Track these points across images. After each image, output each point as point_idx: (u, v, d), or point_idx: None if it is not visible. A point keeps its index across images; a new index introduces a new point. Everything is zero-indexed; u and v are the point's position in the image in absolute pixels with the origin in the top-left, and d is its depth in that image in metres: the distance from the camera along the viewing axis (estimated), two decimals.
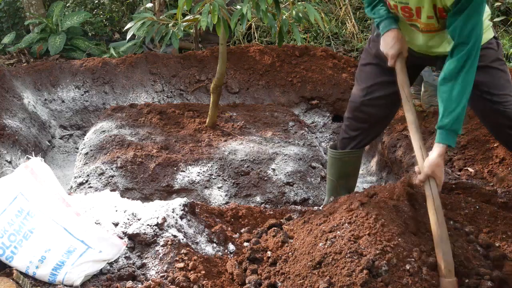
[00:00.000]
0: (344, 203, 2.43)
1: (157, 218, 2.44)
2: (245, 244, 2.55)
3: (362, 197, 2.39)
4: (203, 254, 2.44)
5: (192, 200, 2.88)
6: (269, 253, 2.36)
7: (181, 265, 2.27)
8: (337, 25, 5.95)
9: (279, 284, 2.19)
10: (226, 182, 3.37)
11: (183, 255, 2.33)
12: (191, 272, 2.25)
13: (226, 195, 3.30)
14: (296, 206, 3.23)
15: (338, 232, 2.22)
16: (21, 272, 2.16)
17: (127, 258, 2.33)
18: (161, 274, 2.25)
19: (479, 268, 2.11)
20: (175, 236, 2.40)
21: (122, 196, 2.89)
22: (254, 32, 5.78)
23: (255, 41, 5.71)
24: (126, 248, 2.35)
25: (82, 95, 4.65)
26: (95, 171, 3.37)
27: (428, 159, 2.24)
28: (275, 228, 2.54)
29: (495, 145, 3.31)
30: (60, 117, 4.57)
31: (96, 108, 4.62)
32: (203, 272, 2.27)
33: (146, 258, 2.34)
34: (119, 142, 3.65)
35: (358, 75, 2.81)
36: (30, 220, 2.19)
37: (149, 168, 3.38)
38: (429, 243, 2.12)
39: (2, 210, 2.19)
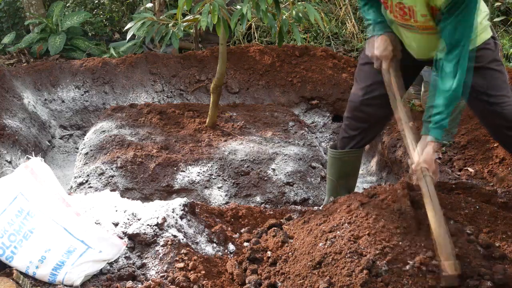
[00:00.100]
0: (344, 203, 2.43)
1: (157, 218, 2.43)
2: (245, 244, 2.55)
3: (362, 197, 2.39)
4: (203, 254, 2.44)
5: (192, 200, 2.88)
6: (269, 253, 2.36)
7: (181, 265, 2.27)
8: (337, 25, 5.94)
9: (279, 284, 2.19)
10: (226, 182, 3.37)
11: (183, 255, 2.33)
12: (191, 272, 2.25)
13: (226, 195, 3.30)
14: (296, 206, 3.23)
15: (338, 232, 2.22)
16: (21, 272, 2.16)
17: (127, 258, 2.33)
18: (161, 274, 2.25)
19: (480, 268, 2.11)
20: (175, 236, 2.40)
21: (122, 196, 2.89)
22: (254, 32, 5.78)
23: (255, 41, 5.71)
24: (126, 248, 2.35)
25: (82, 95, 4.65)
26: (95, 171, 3.37)
27: (419, 152, 2.29)
28: (275, 228, 2.54)
29: (495, 145, 3.32)
30: (60, 117, 4.56)
31: (96, 108, 4.62)
32: (203, 272, 2.27)
33: (146, 258, 2.34)
34: (119, 142, 3.65)
35: (357, 74, 2.82)
36: (30, 220, 2.19)
37: (149, 168, 3.38)
38: (429, 243, 2.12)
39: (2, 210, 2.20)
